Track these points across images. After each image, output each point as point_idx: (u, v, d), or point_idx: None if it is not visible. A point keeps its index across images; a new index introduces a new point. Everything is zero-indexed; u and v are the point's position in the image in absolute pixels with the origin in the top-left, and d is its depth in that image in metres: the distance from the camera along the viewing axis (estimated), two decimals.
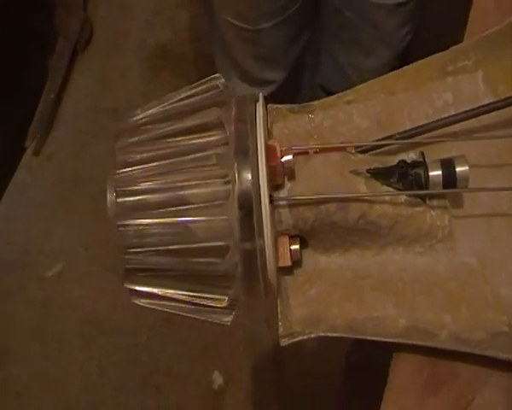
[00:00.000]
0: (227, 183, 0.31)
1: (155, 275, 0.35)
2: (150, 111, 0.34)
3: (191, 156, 0.32)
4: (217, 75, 0.35)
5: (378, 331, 0.35)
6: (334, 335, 0.36)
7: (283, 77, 0.89)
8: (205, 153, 0.32)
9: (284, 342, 0.36)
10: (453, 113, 0.38)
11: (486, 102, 0.38)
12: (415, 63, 0.39)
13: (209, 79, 0.34)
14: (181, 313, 0.37)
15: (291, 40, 0.85)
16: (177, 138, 0.33)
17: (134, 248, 0.34)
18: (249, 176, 0.31)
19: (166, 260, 0.34)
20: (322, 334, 0.36)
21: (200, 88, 0.34)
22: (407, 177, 0.34)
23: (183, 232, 0.33)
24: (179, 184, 0.32)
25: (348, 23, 0.82)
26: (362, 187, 0.34)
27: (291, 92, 0.93)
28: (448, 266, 0.37)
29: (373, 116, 0.38)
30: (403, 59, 0.85)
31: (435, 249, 0.37)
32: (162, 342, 1.10)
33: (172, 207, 0.32)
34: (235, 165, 0.31)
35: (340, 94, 0.39)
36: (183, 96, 0.34)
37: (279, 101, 0.39)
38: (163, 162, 0.33)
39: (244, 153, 0.31)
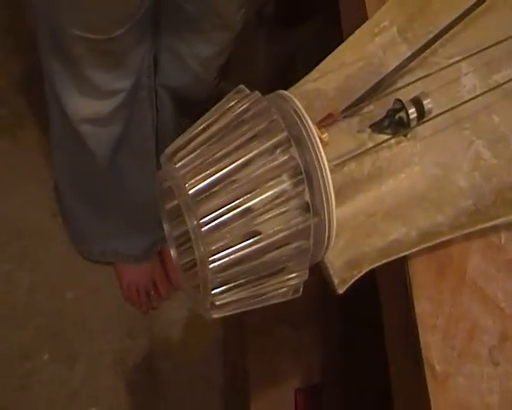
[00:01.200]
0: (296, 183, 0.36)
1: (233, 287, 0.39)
2: (199, 138, 0.37)
3: (257, 167, 0.36)
4: (240, 87, 0.38)
5: (401, 249, 0.44)
6: (376, 265, 0.43)
7: (131, 84, 0.89)
8: (269, 157, 0.36)
9: (342, 288, 0.42)
10: (385, 64, 0.47)
11: (403, 48, 0.48)
12: (354, 34, 0.47)
13: (234, 93, 0.38)
14: (254, 307, 0.41)
15: (138, 44, 0.85)
16: (239, 153, 0.36)
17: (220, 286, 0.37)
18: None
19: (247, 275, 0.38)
20: (368, 268, 0.43)
21: (232, 103, 0.38)
22: (395, 122, 0.42)
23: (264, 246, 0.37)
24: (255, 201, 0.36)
25: (191, 16, 0.86)
26: (368, 141, 0.42)
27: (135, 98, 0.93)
28: (423, 181, 0.46)
29: (336, 86, 0.45)
30: (238, 37, 0.92)
31: (413, 172, 0.46)
32: None
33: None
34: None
35: (307, 76, 0.45)
36: (217, 115, 0.38)
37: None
38: (233, 179, 0.36)
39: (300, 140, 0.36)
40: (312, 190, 0.38)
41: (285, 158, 0.36)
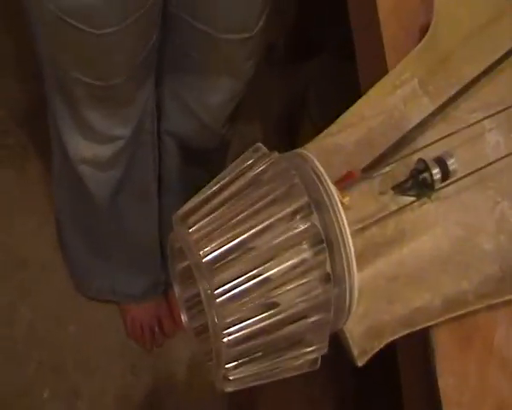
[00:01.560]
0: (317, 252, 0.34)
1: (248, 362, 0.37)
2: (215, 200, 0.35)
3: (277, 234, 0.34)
4: (258, 145, 0.36)
5: (424, 319, 0.42)
6: (397, 336, 0.41)
7: (132, 131, 0.86)
8: (288, 223, 0.34)
9: (362, 360, 0.40)
10: (407, 117, 0.45)
11: (425, 101, 0.46)
12: (374, 87, 0.45)
13: (252, 151, 0.36)
14: (269, 380, 0.38)
15: (140, 91, 0.83)
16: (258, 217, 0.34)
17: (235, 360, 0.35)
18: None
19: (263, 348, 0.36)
20: (389, 339, 0.40)
21: (248, 163, 0.36)
22: (419, 183, 0.40)
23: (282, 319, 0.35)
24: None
25: (197, 64, 0.83)
26: (390, 203, 0.40)
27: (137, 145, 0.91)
28: (447, 243, 0.44)
29: (355, 140, 0.43)
30: (248, 87, 0.88)
31: (436, 234, 0.44)
32: None
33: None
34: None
35: (326, 130, 0.43)
36: (233, 175, 0.36)
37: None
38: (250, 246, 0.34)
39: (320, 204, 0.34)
40: (333, 257, 0.35)
41: (306, 226, 0.34)
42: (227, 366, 0.36)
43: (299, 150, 0.38)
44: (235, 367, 0.37)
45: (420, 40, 0.48)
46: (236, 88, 0.88)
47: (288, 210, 0.35)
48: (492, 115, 0.45)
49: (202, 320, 0.41)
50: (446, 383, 0.41)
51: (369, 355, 0.40)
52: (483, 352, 0.42)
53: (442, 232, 0.44)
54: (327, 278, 0.35)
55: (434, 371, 0.42)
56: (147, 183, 0.98)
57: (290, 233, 0.35)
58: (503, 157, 0.46)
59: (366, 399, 0.86)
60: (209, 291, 0.35)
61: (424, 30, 0.49)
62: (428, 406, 0.42)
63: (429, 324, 0.41)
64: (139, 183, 0.97)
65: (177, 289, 0.42)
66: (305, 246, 0.35)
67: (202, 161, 0.98)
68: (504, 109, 0.46)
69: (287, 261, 0.35)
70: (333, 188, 0.34)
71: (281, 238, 0.34)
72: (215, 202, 0.37)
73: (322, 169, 0.35)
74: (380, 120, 0.46)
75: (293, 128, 1.37)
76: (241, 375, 0.37)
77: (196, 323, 0.42)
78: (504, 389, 0.41)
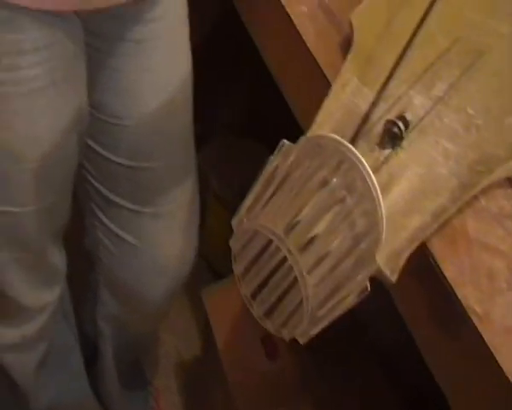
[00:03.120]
0: None
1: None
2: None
3: None
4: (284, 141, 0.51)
5: (423, 233, 0.57)
6: (412, 250, 0.56)
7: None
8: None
9: (394, 276, 0.54)
10: (359, 105, 0.63)
11: (365, 90, 0.64)
12: (331, 89, 0.62)
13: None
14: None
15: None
16: None
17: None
18: None
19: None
20: (407, 255, 0.55)
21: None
22: (392, 136, 0.57)
23: None
24: None
25: None
26: (380, 157, 0.56)
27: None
28: (418, 180, 0.61)
29: (331, 131, 0.60)
30: None
31: (409, 176, 0.60)
32: None
33: None
34: None
35: (310, 130, 0.59)
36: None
37: None
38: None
39: None
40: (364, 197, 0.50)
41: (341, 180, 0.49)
42: (315, 305, 0.49)
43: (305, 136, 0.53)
44: (320, 305, 0.49)
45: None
46: None
47: (324, 174, 0.49)
48: (414, 85, 0.63)
49: (269, 302, 0.52)
50: (448, 269, 0.57)
51: (398, 272, 0.54)
52: (465, 243, 0.59)
53: (412, 173, 0.60)
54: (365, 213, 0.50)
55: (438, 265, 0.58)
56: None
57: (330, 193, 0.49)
58: (428, 112, 0.64)
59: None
60: (291, 247, 0.47)
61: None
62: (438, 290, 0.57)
63: (428, 234, 0.57)
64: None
65: (243, 289, 0.53)
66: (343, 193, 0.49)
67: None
68: (419, 78, 0.64)
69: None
70: (352, 147, 0.49)
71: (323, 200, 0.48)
72: (265, 197, 0.51)
73: (337, 137, 0.49)
74: (342, 112, 0.62)
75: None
76: (325, 310, 0.50)
77: (265, 307, 0.52)
78: (489, 262, 0.58)
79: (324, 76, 0.66)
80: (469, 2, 0.71)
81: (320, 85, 0.67)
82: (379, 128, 0.59)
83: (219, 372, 1.16)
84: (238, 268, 0.52)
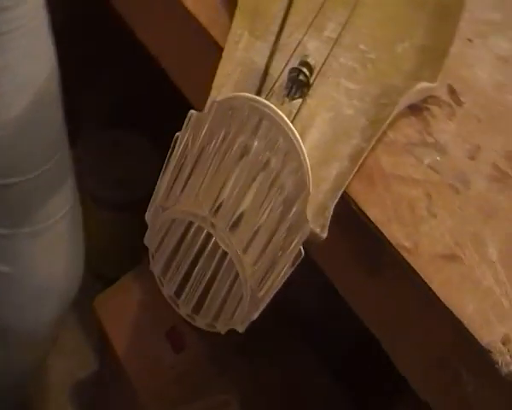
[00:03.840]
0: None
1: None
2: None
3: None
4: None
5: (344, 178, 0.57)
6: (336, 201, 0.55)
7: None
8: None
9: (324, 232, 0.53)
10: (254, 60, 0.60)
11: (258, 44, 0.61)
12: (224, 49, 0.58)
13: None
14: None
15: None
16: None
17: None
18: None
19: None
20: (333, 206, 0.54)
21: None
22: (299, 85, 0.55)
23: None
24: None
25: None
26: (292, 110, 0.54)
27: None
28: (328, 126, 0.59)
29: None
30: None
31: (319, 122, 0.59)
32: None
33: None
34: None
35: (210, 96, 0.55)
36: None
37: None
38: None
39: None
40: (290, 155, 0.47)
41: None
42: (254, 286, 0.46)
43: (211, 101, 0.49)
44: (260, 285, 0.47)
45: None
46: None
47: (243, 138, 0.46)
48: (305, 30, 0.62)
49: (195, 296, 0.48)
50: (371, 210, 0.57)
51: (327, 225, 0.53)
52: (382, 180, 0.59)
53: (322, 119, 0.59)
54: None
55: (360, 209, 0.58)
56: None
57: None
58: (323, 55, 0.62)
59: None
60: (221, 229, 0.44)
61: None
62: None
63: (348, 180, 0.57)
64: None
65: (165, 289, 0.48)
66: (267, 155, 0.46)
67: None
68: (309, 23, 0.62)
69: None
70: (269, 103, 0.46)
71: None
72: (180, 181, 0.46)
73: (250, 94, 0.47)
74: (239, 71, 0.59)
75: None
76: (265, 289, 0.47)
77: (192, 303, 0.48)
78: (407, 193, 0.59)
79: (211, 37, 0.63)
80: None
81: (208, 49, 0.63)
82: (282, 80, 0.57)
83: (123, 382, 1.10)
84: (156, 267, 0.47)
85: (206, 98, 0.57)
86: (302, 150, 0.47)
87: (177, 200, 0.45)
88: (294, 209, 0.47)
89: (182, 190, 0.45)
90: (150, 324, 1.10)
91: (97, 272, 1.56)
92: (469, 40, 0.70)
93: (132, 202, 1.49)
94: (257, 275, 0.45)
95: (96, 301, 1.16)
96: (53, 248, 0.86)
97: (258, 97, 0.46)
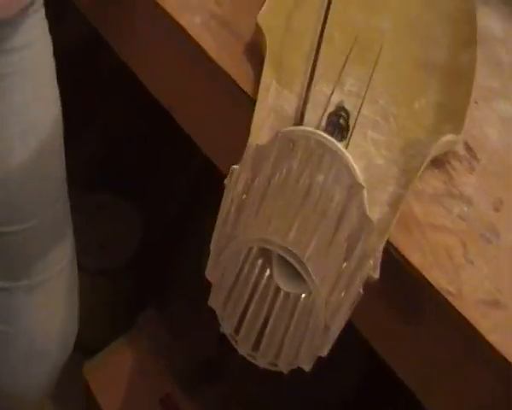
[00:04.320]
0: None
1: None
2: None
3: None
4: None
5: (388, 223, 0.55)
6: None
7: None
8: None
9: (377, 273, 0.51)
10: (284, 107, 0.59)
11: (285, 92, 0.61)
12: (258, 95, 0.58)
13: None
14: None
15: None
16: None
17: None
18: None
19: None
20: None
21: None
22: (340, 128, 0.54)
23: None
24: None
25: None
26: None
27: None
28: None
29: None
30: None
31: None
32: None
33: None
34: None
35: (250, 139, 0.53)
36: None
37: None
38: None
39: None
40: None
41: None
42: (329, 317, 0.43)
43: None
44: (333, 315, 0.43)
45: None
46: None
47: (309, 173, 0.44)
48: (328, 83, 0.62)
49: (253, 336, 0.45)
50: (412, 256, 0.55)
51: None
52: (417, 227, 0.58)
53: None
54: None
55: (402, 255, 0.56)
56: None
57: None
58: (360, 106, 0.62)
59: None
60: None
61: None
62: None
63: (391, 226, 0.55)
64: None
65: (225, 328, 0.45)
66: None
67: None
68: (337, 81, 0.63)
69: None
70: (329, 137, 0.45)
71: None
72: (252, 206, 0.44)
73: (309, 128, 0.45)
74: (272, 117, 0.58)
75: None
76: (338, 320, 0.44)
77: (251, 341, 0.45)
78: (443, 241, 0.58)
79: (238, 86, 0.62)
80: (353, 2, 0.72)
81: (235, 97, 0.62)
82: (321, 126, 0.56)
83: None
84: (216, 304, 0.44)
85: (226, 146, 0.56)
86: (362, 185, 0.46)
87: (248, 228, 0.42)
88: (360, 244, 0.45)
89: (255, 217, 0.43)
90: (143, 391, 1.01)
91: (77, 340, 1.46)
92: (476, 102, 0.73)
93: (115, 269, 1.42)
94: (330, 308, 0.42)
95: (85, 369, 1.07)
96: (49, 305, 0.80)
97: (320, 132, 0.45)
